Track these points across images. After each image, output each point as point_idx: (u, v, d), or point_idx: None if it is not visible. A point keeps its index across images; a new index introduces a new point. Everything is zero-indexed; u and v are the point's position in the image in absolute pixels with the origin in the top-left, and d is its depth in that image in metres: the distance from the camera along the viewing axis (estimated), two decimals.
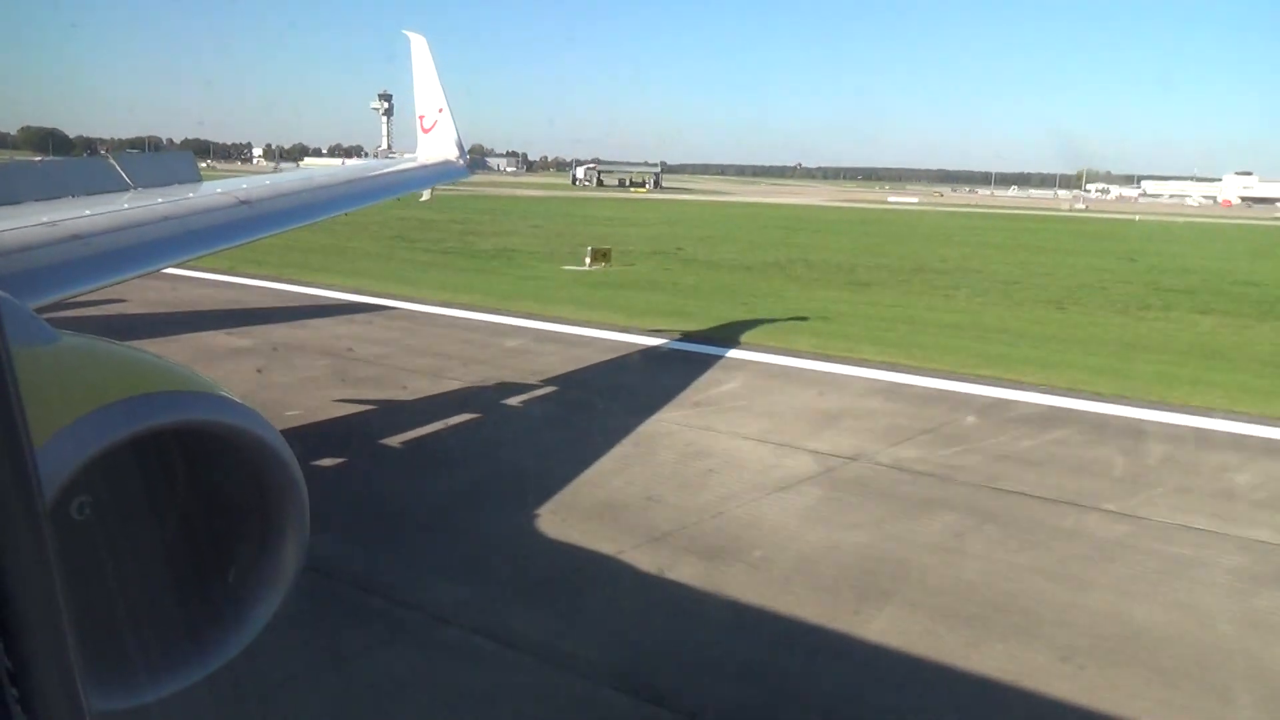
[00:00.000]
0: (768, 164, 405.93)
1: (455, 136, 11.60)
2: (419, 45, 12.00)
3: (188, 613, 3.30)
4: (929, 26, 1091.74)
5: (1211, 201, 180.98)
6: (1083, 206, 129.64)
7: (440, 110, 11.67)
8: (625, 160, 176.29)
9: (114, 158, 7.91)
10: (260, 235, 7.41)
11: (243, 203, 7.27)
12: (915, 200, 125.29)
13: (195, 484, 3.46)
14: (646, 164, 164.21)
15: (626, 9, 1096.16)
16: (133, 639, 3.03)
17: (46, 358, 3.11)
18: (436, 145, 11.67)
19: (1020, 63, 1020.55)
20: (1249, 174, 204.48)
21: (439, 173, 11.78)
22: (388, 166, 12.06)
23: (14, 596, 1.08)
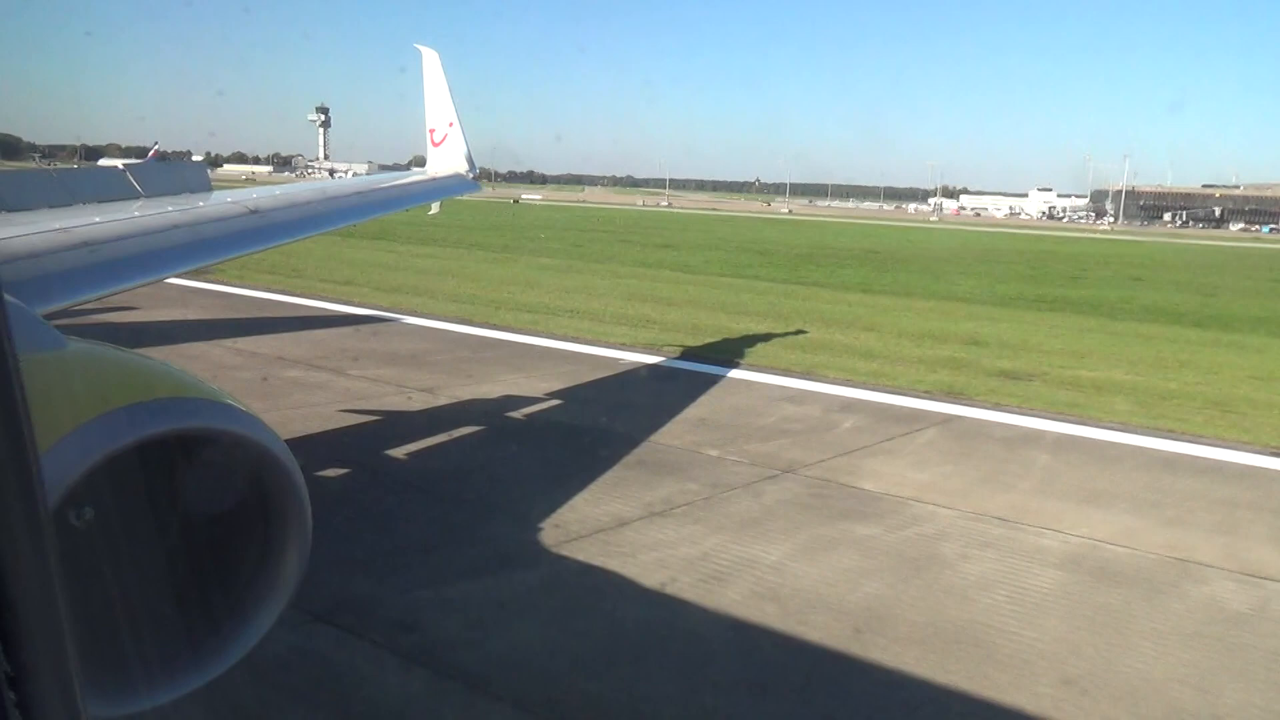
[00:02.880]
0: (728, 179, 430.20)
1: (465, 150, 11.64)
2: (430, 59, 12.06)
3: (188, 620, 3.29)
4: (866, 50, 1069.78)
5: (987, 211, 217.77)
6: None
7: (450, 124, 11.72)
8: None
9: (126, 167, 7.95)
10: (270, 245, 7.43)
11: (253, 212, 7.30)
12: (539, 198, 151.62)
13: (198, 490, 3.47)
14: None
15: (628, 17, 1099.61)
16: (132, 645, 3.02)
17: (53, 363, 3.12)
18: (447, 158, 11.72)
19: (1020, 73, 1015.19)
20: (1049, 190, 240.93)
21: (450, 186, 11.81)
22: (400, 178, 12.11)
23: (15, 602, 1.08)
